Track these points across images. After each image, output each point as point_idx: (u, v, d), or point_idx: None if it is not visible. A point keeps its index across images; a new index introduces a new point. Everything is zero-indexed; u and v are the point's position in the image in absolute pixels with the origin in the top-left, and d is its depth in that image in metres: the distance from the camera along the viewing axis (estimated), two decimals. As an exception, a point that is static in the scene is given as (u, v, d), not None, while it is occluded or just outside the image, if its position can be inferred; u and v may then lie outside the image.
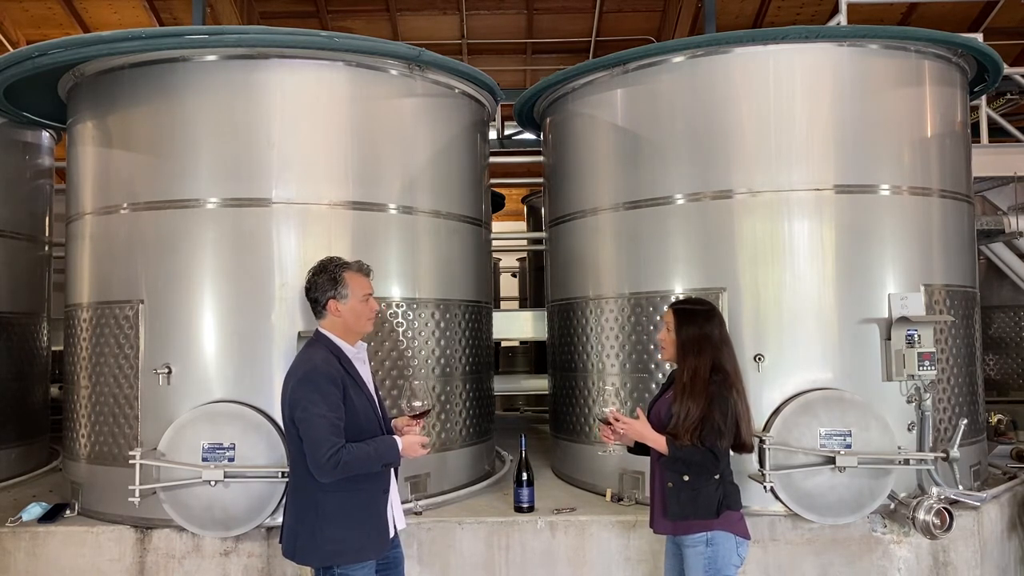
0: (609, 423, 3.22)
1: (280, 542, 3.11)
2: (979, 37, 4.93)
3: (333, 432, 2.86)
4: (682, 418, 3.11)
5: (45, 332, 6.12)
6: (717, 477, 3.15)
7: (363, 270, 3.20)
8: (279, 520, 3.82)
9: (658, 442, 3.13)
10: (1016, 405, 7.15)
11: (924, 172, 4.58)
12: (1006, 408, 6.63)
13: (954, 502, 4.15)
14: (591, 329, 4.93)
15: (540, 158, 6.02)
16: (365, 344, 3.22)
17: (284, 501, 3.21)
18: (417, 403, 3.18)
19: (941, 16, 9.92)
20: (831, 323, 4.30)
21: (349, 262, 3.19)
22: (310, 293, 3.14)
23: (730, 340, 3.32)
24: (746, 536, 3.20)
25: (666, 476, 3.18)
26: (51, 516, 4.30)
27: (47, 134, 6.11)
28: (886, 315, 4.30)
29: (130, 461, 3.97)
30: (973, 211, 4.98)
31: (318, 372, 2.95)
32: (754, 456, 4.05)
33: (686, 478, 3.13)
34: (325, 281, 3.11)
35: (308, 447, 2.87)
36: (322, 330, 3.13)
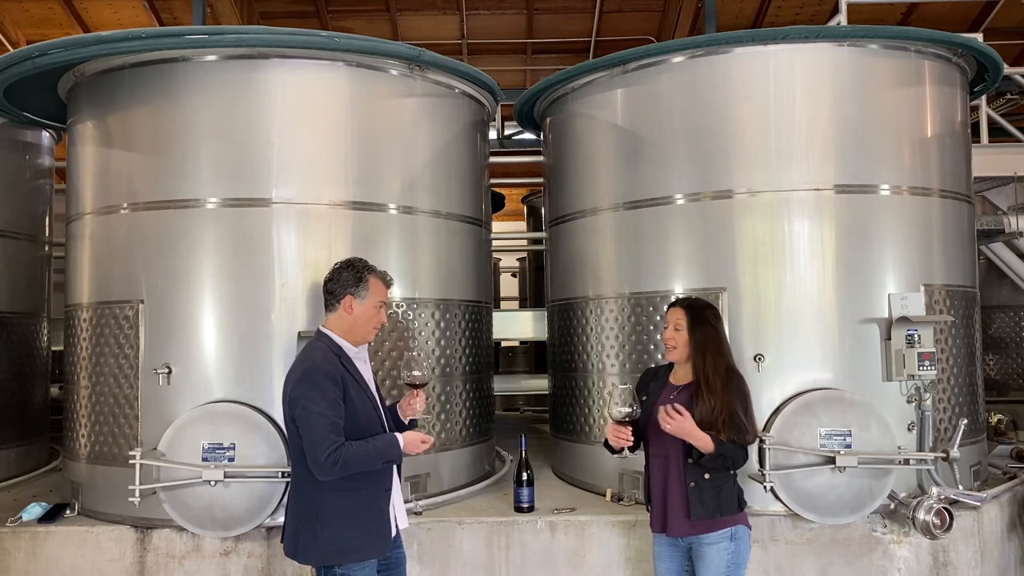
0: (624, 424, 3.14)
1: (282, 541, 3.10)
2: (979, 37, 4.93)
3: (332, 431, 2.85)
4: (713, 415, 3.10)
5: (45, 332, 6.12)
6: (733, 472, 3.18)
7: (385, 280, 3.24)
8: (279, 520, 3.83)
9: (704, 440, 3.05)
10: (1016, 405, 7.15)
11: (924, 172, 4.58)
12: (1006, 408, 6.62)
13: (954, 502, 4.15)
14: (591, 329, 4.93)
15: (540, 158, 6.02)
16: (366, 344, 3.22)
17: (286, 501, 3.20)
18: (417, 373, 3.18)
19: (941, 16, 9.92)
20: (831, 323, 4.30)
21: (376, 268, 3.23)
22: (329, 284, 3.15)
23: (727, 338, 3.38)
24: (750, 528, 3.28)
25: (688, 476, 3.16)
26: (51, 516, 4.30)
27: (47, 134, 6.11)
28: (886, 315, 4.30)
29: (130, 461, 3.97)
30: (973, 211, 4.98)
31: (317, 370, 2.94)
32: (754, 456, 4.06)
33: (707, 476, 3.14)
34: (350, 276, 3.13)
35: (307, 446, 2.86)
36: (324, 329, 3.13)
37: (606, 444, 3.29)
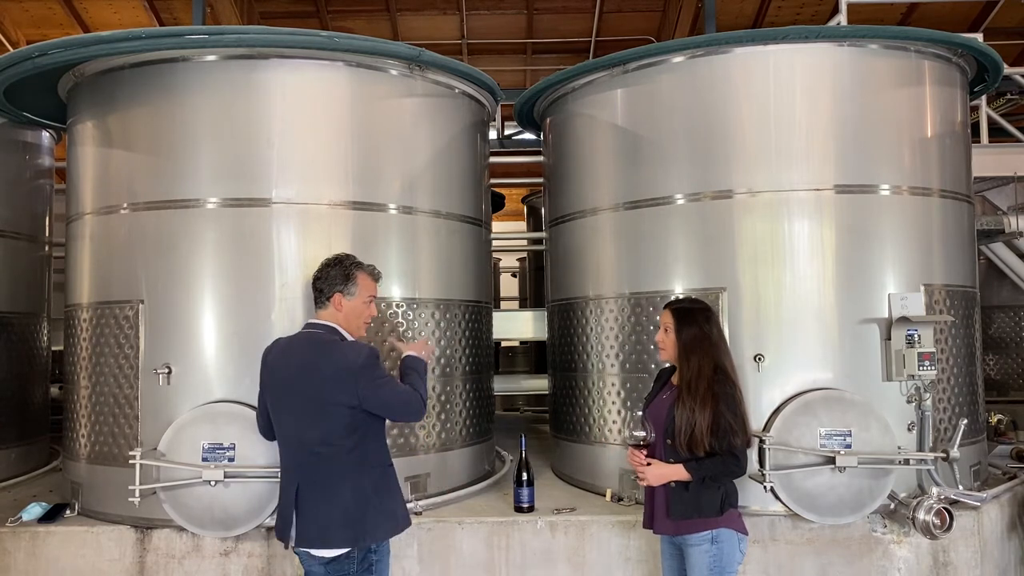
0: (640, 447, 3.24)
1: (303, 546, 3.03)
2: (979, 37, 4.93)
3: (399, 388, 3.08)
4: (692, 424, 3.10)
5: (45, 332, 6.12)
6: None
7: (374, 275, 3.32)
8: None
9: (679, 473, 3.13)
10: (1016, 405, 7.15)
11: (924, 172, 4.58)
12: (1006, 408, 6.63)
13: (954, 502, 4.15)
14: (591, 329, 4.93)
15: (540, 158, 6.02)
16: None
17: (307, 498, 3.03)
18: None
19: (941, 16, 9.92)
20: (831, 323, 4.30)
21: (363, 263, 3.29)
22: (318, 283, 3.21)
23: (725, 338, 3.35)
24: (746, 532, 3.24)
25: None
26: (51, 516, 4.30)
27: (47, 134, 6.10)
28: (886, 315, 4.30)
29: (130, 461, 3.97)
30: (973, 211, 4.98)
31: (375, 353, 3.07)
32: (754, 456, 4.06)
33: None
34: (337, 275, 3.19)
35: (398, 403, 3.04)
36: (327, 321, 3.19)
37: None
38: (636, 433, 3.25)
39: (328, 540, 2.99)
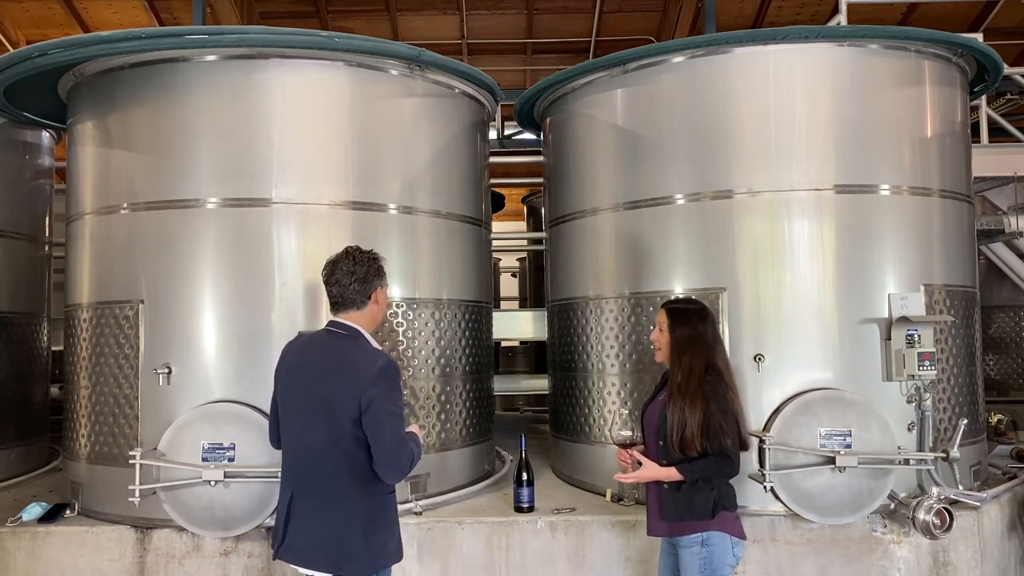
0: (627, 447, 3.21)
1: (288, 554, 2.87)
2: (979, 37, 4.93)
3: (402, 432, 2.81)
4: (683, 425, 3.08)
5: (45, 332, 6.12)
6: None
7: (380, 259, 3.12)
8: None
9: (670, 475, 3.11)
10: (1016, 405, 7.15)
11: (924, 172, 4.58)
12: (1006, 408, 6.62)
13: (954, 502, 4.15)
14: (591, 329, 4.93)
15: (540, 158, 6.02)
16: None
17: (299, 514, 2.88)
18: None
19: (941, 16, 9.92)
20: (831, 323, 4.30)
21: (377, 253, 3.08)
22: (354, 284, 2.92)
23: (721, 339, 3.33)
24: (742, 536, 3.20)
25: None
26: (51, 516, 4.30)
27: (47, 134, 6.11)
28: (886, 315, 4.30)
29: (130, 461, 3.97)
30: (973, 211, 4.98)
31: (395, 368, 2.83)
32: (754, 456, 4.06)
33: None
34: (375, 268, 2.97)
35: (389, 447, 2.73)
36: (353, 324, 2.93)
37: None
38: (622, 432, 3.21)
39: (311, 559, 2.83)
